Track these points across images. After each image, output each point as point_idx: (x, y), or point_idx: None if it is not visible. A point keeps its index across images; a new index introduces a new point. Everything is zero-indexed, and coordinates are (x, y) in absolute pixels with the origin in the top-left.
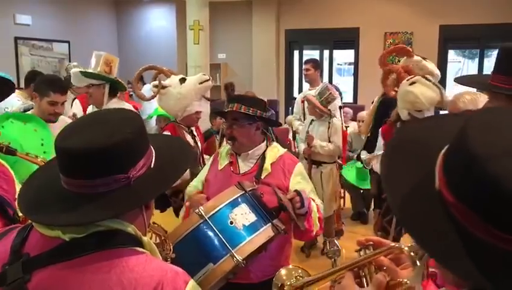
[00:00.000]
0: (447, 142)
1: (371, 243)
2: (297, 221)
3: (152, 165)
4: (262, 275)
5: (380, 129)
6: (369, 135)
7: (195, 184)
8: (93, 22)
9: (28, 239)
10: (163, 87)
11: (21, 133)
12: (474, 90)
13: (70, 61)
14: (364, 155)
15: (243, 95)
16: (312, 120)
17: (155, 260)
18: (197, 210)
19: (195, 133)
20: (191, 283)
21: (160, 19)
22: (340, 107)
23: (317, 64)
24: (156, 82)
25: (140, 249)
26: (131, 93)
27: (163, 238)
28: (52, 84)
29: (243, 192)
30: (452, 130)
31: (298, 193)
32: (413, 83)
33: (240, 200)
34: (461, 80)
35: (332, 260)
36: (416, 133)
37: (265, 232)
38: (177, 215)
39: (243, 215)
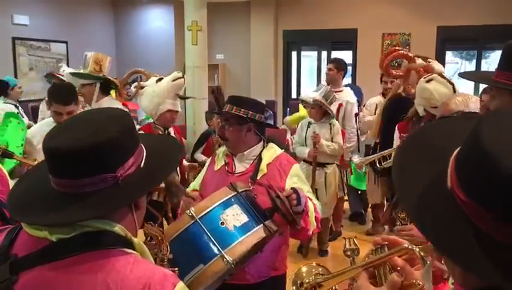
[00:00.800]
0: (459, 144)
1: (386, 242)
2: (295, 219)
3: (142, 164)
4: (258, 276)
5: (395, 127)
6: (377, 139)
7: (194, 184)
8: (91, 22)
9: (17, 240)
10: (142, 87)
11: (13, 131)
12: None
13: (68, 62)
14: (356, 159)
15: (239, 97)
16: (309, 123)
17: (143, 262)
18: (188, 211)
19: (173, 134)
20: (179, 284)
21: (158, 20)
22: (357, 114)
23: (340, 65)
24: (136, 83)
25: (129, 250)
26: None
27: (160, 238)
28: (54, 94)
29: (235, 193)
30: (464, 133)
31: (295, 190)
32: (429, 80)
33: (231, 201)
34: (467, 75)
35: (351, 258)
36: (427, 136)
37: (257, 233)
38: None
39: (235, 216)
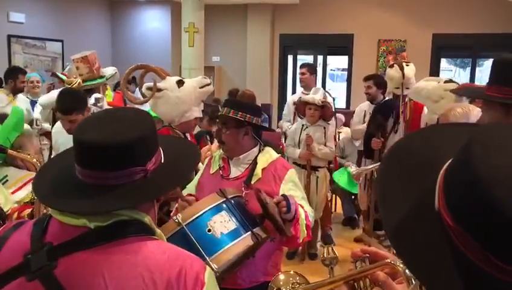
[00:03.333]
0: (448, 157)
1: (367, 255)
2: (284, 226)
3: (162, 161)
4: (250, 281)
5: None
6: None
7: (190, 187)
8: (88, 21)
9: (48, 229)
10: (159, 90)
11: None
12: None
13: (63, 61)
14: (353, 169)
15: (236, 100)
16: (303, 125)
17: (174, 247)
18: (174, 217)
19: (188, 139)
20: (208, 268)
21: (155, 20)
22: (334, 113)
23: (312, 69)
24: (149, 84)
25: (158, 238)
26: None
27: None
28: (57, 101)
29: (224, 199)
30: (453, 145)
31: (285, 197)
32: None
33: (220, 207)
34: (460, 92)
35: (329, 267)
36: (413, 148)
37: (244, 241)
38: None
39: (222, 223)
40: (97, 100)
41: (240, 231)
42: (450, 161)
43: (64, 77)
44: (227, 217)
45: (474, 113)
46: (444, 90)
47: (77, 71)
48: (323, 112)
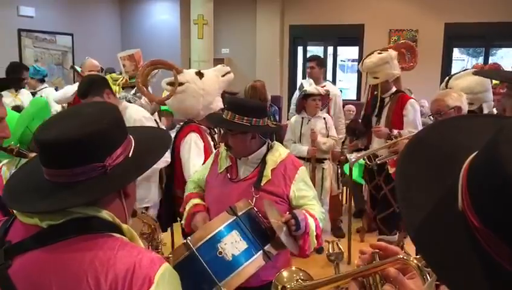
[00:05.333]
0: (472, 148)
1: (377, 251)
2: (294, 245)
3: (130, 154)
4: (261, 279)
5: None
6: None
7: (198, 178)
8: (97, 14)
9: (11, 228)
10: (180, 84)
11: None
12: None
13: (73, 55)
14: (353, 156)
15: (241, 103)
16: (303, 118)
17: (129, 244)
18: (185, 241)
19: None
20: (165, 265)
21: (164, 13)
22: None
23: (321, 62)
24: (169, 79)
25: (117, 235)
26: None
27: (153, 227)
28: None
29: (234, 217)
30: (475, 138)
31: (293, 215)
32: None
33: (230, 227)
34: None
35: (335, 263)
36: (433, 142)
37: (256, 262)
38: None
39: (233, 244)
40: (135, 92)
41: (252, 251)
42: (471, 157)
43: (79, 69)
44: (238, 237)
45: (464, 97)
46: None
47: (123, 68)
48: (323, 100)
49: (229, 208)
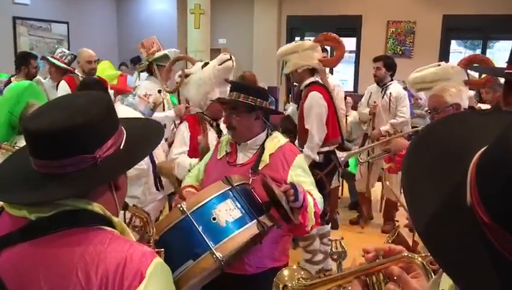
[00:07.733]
0: (477, 146)
1: (381, 253)
2: (291, 214)
3: (122, 146)
4: (256, 267)
5: None
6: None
7: (195, 173)
8: (93, 3)
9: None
10: (187, 75)
11: None
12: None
13: (69, 43)
14: (341, 155)
15: (243, 83)
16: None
17: (120, 238)
18: (179, 205)
19: (222, 128)
20: (157, 260)
21: (161, 2)
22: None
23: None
24: (188, 71)
25: (108, 228)
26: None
27: (145, 220)
28: None
29: (229, 187)
30: (482, 134)
31: (292, 185)
32: None
33: (225, 195)
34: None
35: (337, 262)
36: (440, 138)
37: (249, 229)
38: None
39: (227, 212)
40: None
41: (246, 219)
42: (480, 152)
43: (56, 61)
44: (233, 205)
45: (465, 92)
46: (451, 68)
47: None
48: None
49: (224, 178)
